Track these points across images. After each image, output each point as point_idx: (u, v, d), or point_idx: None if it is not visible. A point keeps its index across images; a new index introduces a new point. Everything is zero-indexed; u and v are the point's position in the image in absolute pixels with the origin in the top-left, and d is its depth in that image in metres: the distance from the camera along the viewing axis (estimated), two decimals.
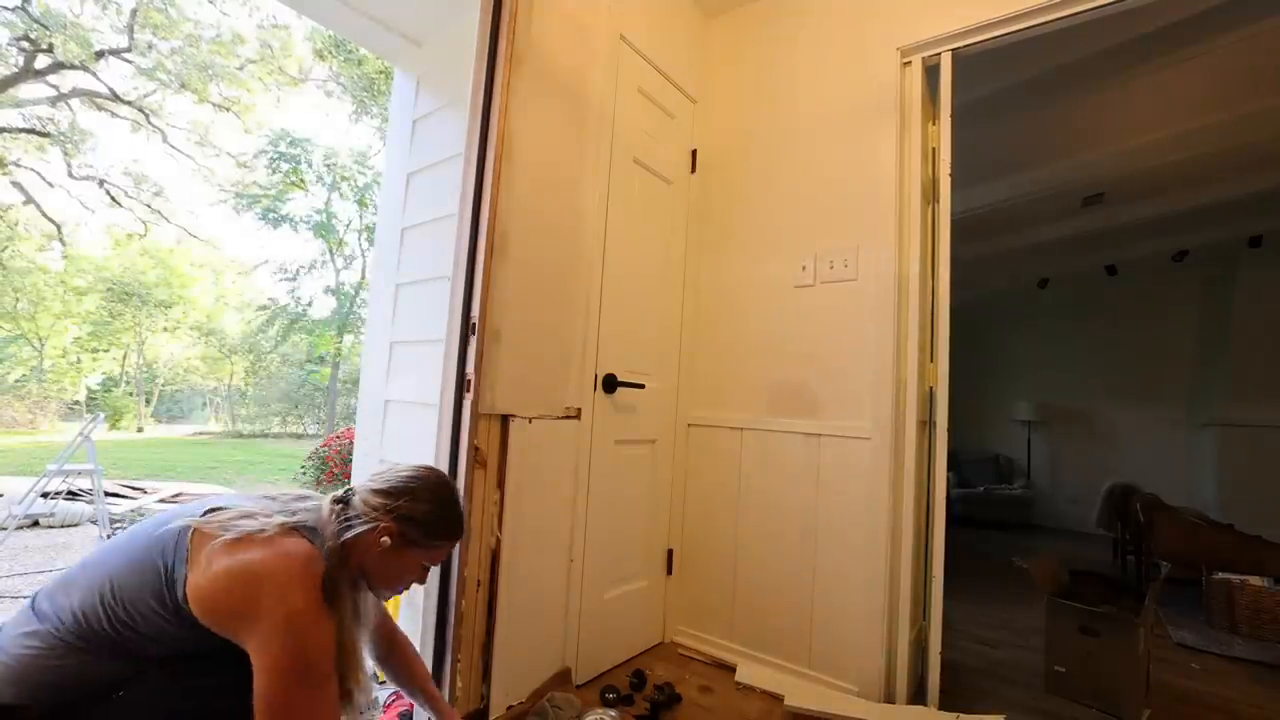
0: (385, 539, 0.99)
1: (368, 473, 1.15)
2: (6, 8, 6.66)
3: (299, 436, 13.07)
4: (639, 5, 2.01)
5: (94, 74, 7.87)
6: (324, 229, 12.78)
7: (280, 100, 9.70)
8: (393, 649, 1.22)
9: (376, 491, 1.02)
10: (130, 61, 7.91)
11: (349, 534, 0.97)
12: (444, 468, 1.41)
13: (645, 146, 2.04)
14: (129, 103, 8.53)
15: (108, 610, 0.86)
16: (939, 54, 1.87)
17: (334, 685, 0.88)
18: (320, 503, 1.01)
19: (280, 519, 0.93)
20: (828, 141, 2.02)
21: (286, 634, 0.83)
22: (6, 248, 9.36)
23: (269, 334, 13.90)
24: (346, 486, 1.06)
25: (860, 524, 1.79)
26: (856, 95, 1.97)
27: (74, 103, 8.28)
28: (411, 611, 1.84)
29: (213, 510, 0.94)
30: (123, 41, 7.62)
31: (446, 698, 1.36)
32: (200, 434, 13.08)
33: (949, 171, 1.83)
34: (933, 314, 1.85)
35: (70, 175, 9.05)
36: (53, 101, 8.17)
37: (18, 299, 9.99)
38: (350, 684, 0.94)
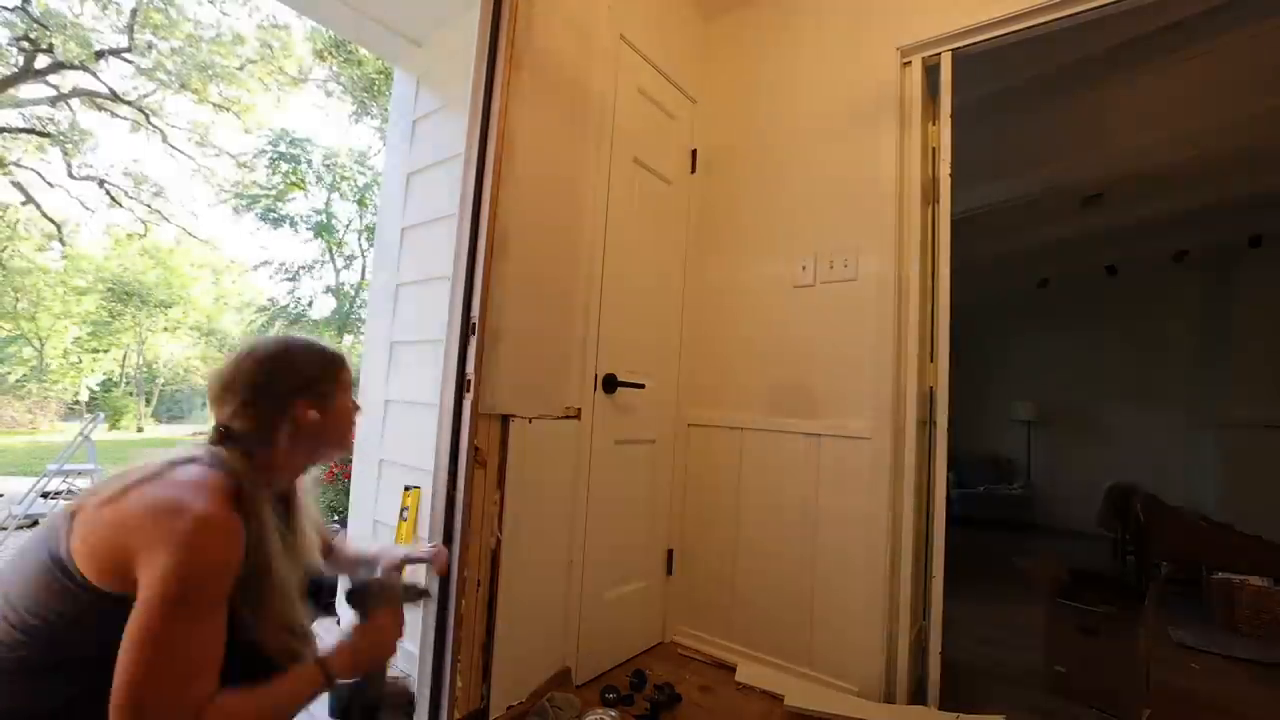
0: (312, 413, 0.93)
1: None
2: (6, 8, 6.66)
3: None
4: (639, 5, 2.01)
5: (94, 74, 7.87)
6: (324, 229, 12.77)
7: (280, 100, 9.70)
8: (327, 550, 1.16)
9: (256, 389, 0.89)
10: (130, 61, 7.91)
11: (268, 447, 0.89)
12: (444, 468, 1.41)
13: (645, 146, 2.04)
14: (129, 103, 8.52)
15: (13, 624, 0.74)
16: (939, 54, 1.87)
17: (221, 615, 0.75)
18: (213, 448, 0.87)
19: (165, 460, 0.82)
20: (828, 141, 2.02)
21: (177, 549, 0.70)
22: (6, 248, 9.36)
23: (269, 334, 13.88)
24: (214, 425, 0.90)
25: (860, 524, 1.79)
26: (856, 95, 1.97)
27: (74, 103, 8.28)
28: (412, 611, 1.84)
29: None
30: (122, 41, 7.61)
31: (446, 697, 1.36)
32: (200, 434, 12.90)
33: (949, 171, 1.83)
34: (933, 314, 1.85)
35: (70, 175, 9.05)
36: (53, 101, 8.16)
37: (18, 299, 10.00)
38: (281, 619, 0.84)
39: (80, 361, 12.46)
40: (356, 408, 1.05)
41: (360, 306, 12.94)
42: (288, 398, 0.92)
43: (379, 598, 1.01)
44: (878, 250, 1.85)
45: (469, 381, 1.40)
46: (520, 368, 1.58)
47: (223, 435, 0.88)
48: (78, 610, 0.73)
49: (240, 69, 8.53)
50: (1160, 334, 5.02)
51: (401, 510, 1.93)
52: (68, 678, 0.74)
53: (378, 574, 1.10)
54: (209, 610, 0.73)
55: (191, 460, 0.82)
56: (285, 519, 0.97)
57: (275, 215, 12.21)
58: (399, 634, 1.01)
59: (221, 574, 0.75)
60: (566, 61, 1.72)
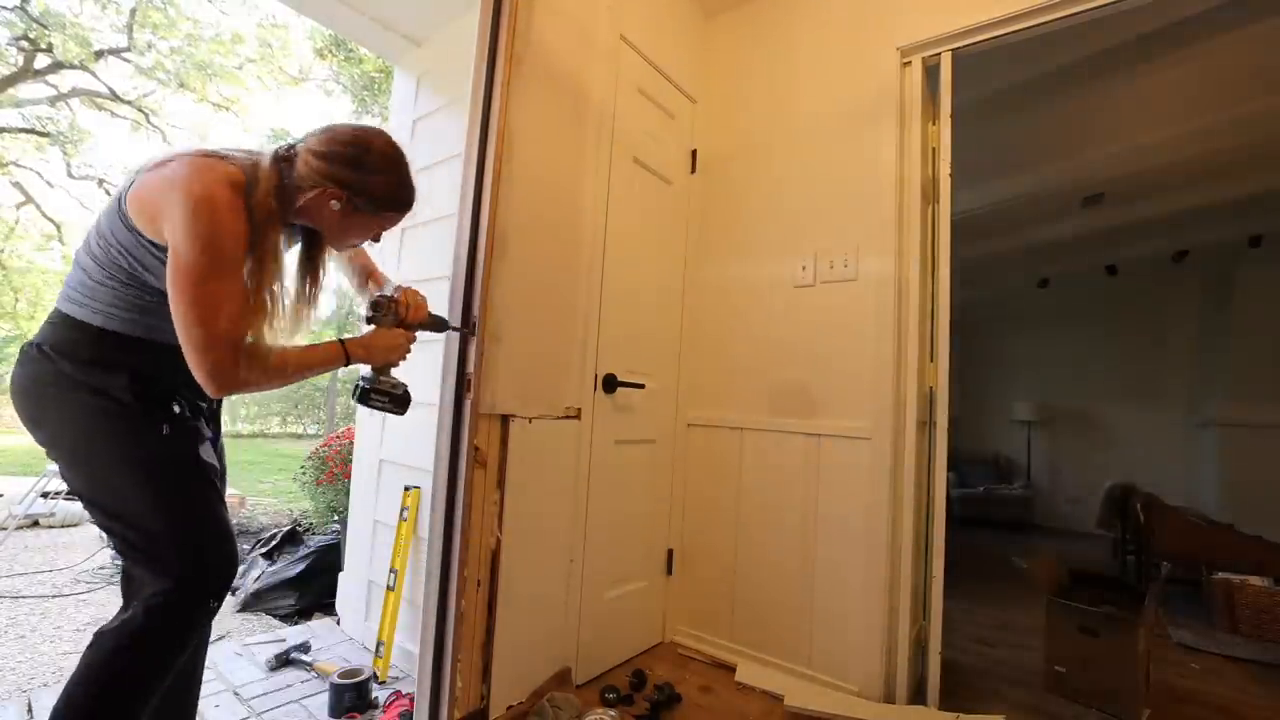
0: (334, 203, 1.02)
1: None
2: (6, 8, 6.65)
3: (299, 436, 13.06)
4: (639, 5, 2.01)
5: (93, 74, 7.86)
6: None
7: (279, 99, 9.69)
8: (369, 278, 1.36)
9: (319, 155, 1.00)
10: (129, 61, 7.90)
11: (300, 199, 1.00)
12: (444, 468, 1.41)
13: (645, 146, 2.04)
14: (129, 102, 8.50)
15: (100, 246, 0.96)
16: (939, 54, 1.87)
17: (236, 276, 0.91)
18: (261, 157, 1.00)
19: (200, 149, 0.97)
20: (828, 141, 2.02)
21: (194, 213, 0.86)
22: (4, 248, 9.35)
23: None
24: (290, 143, 1.04)
25: (860, 524, 1.79)
26: (856, 95, 1.97)
27: (74, 103, 8.26)
28: (412, 611, 1.84)
29: None
30: (122, 41, 7.60)
31: (446, 697, 1.36)
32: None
33: (949, 171, 1.83)
34: (933, 314, 1.85)
35: (70, 175, 9.03)
36: (52, 101, 8.15)
37: (17, 298, 9.97)
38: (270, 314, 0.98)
39: None
40: (373, 237, 1.17)
41: (360, 306, 12.93)
42: (337, 183, 1.01)
43: (393, 314, 1.19)
44: (878, 250, 1.85)
45: (469, 381, 1.40)
46: (520, 368, 1.58)
47: (287, 157, 1.01)
48: (131, 244, 0.94)
49: (239, 68, 8.52)
50: (1160, 334, 5.02)
51: (401, 510, 1.93)
52: (139, 290, 0.97)
53: (397, 295, 1.22)
54: (223, 267, 0.89)
55: (220, 156, 0.96)
56: (307, 251, 1.12)
57: None
58: (407, 349, 1.24)
59: (232, 241, 0.90)
60: (566, 62, 1.72)
